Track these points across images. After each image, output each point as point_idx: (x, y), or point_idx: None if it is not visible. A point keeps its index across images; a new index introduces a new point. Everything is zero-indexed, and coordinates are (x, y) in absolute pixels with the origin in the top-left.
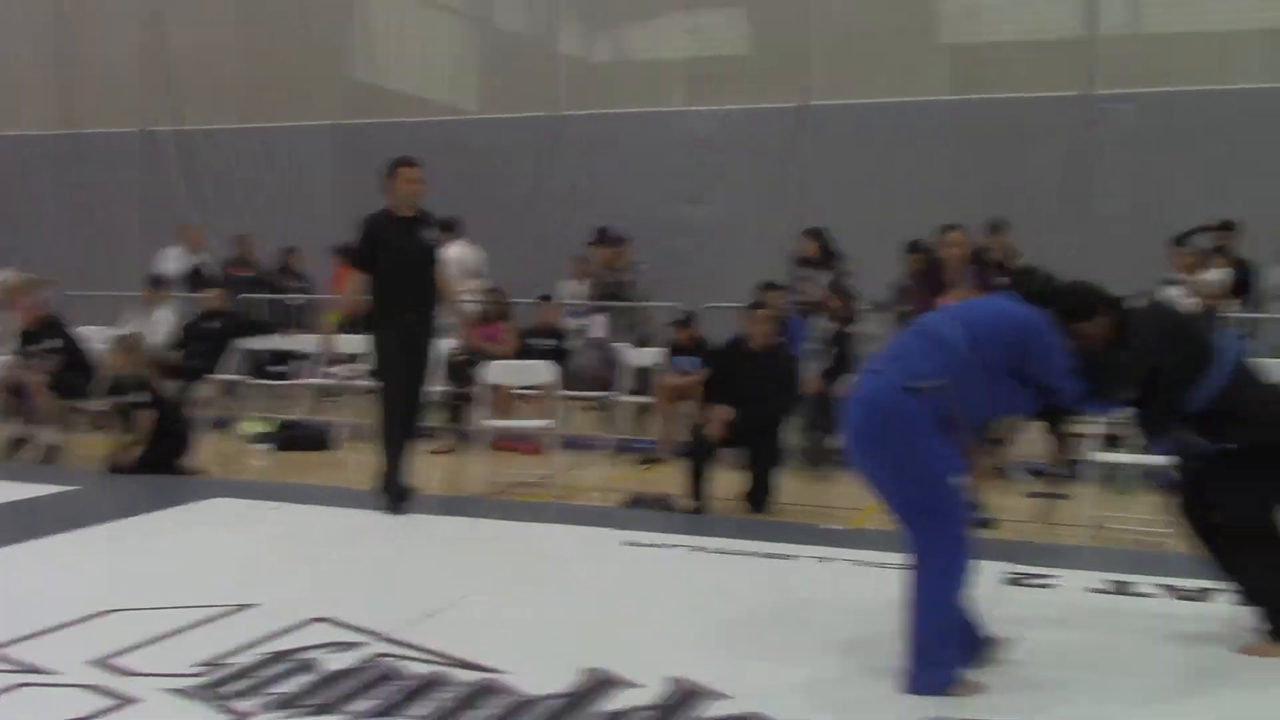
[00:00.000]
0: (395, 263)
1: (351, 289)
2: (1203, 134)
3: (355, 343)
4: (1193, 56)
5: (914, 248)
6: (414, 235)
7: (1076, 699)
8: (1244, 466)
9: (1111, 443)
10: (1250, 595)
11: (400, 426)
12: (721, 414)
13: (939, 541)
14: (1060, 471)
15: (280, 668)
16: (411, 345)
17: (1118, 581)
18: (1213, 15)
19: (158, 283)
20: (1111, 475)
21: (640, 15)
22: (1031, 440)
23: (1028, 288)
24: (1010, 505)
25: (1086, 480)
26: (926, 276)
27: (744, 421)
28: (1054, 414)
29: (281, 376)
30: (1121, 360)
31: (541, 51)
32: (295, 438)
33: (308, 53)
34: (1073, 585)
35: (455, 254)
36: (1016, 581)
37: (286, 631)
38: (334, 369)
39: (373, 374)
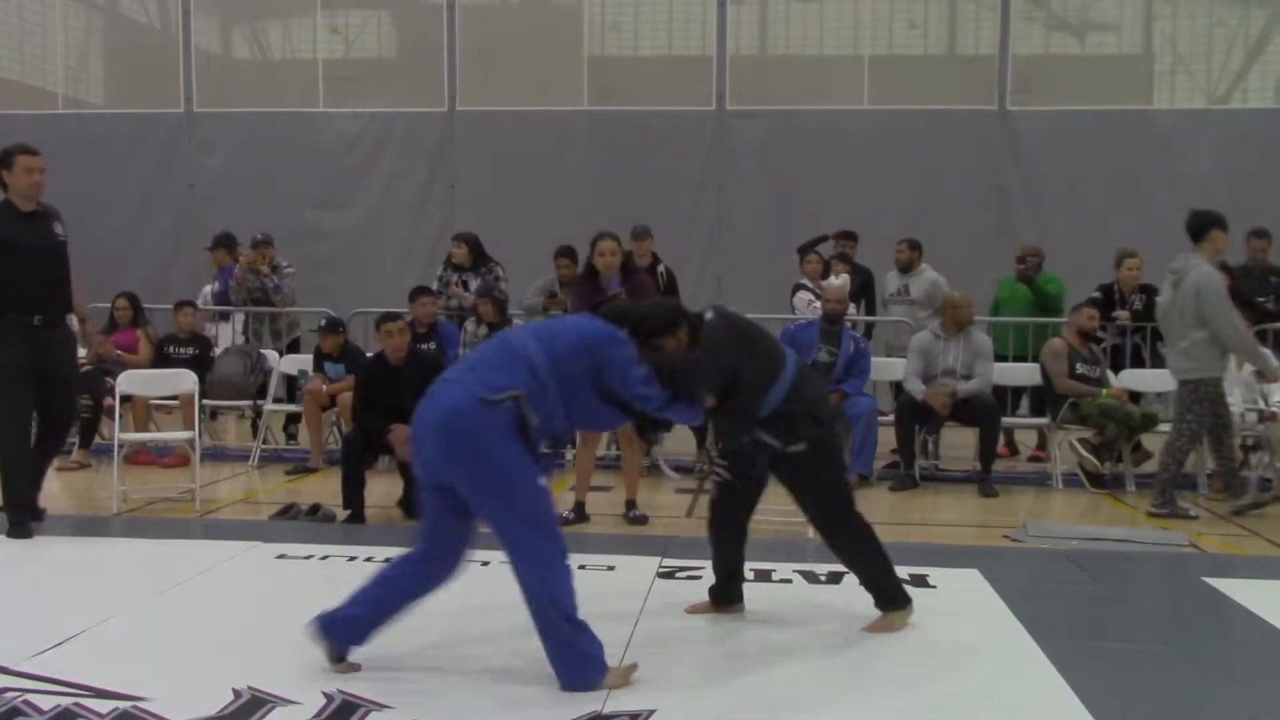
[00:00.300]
0: (18, 262)
1: None
2: (820, 149)
3: None
4: (810, 78)
5: (563, 253)
6: (39, 231)
7: (728, 682)
8: (812, 463)
9: None
10: (861, 580)
11: (25, 441)
12: (401, 435)
13: (537, 544)
14: (705, 467)
15: None
16: (41, 351)
17: (759, 570)
18: (827, 41)
19: None
20: None
21: (279, 13)
22: (677, 439)
23: (605, 312)
24: (659, 501)
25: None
26: (583, 283)
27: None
28: (650, 424)
29: None
30: (696, 369)
31: (173, 45)
32: None
33: None
34: None
35: None
36: (668, 575)
37: None
38: None
39: None
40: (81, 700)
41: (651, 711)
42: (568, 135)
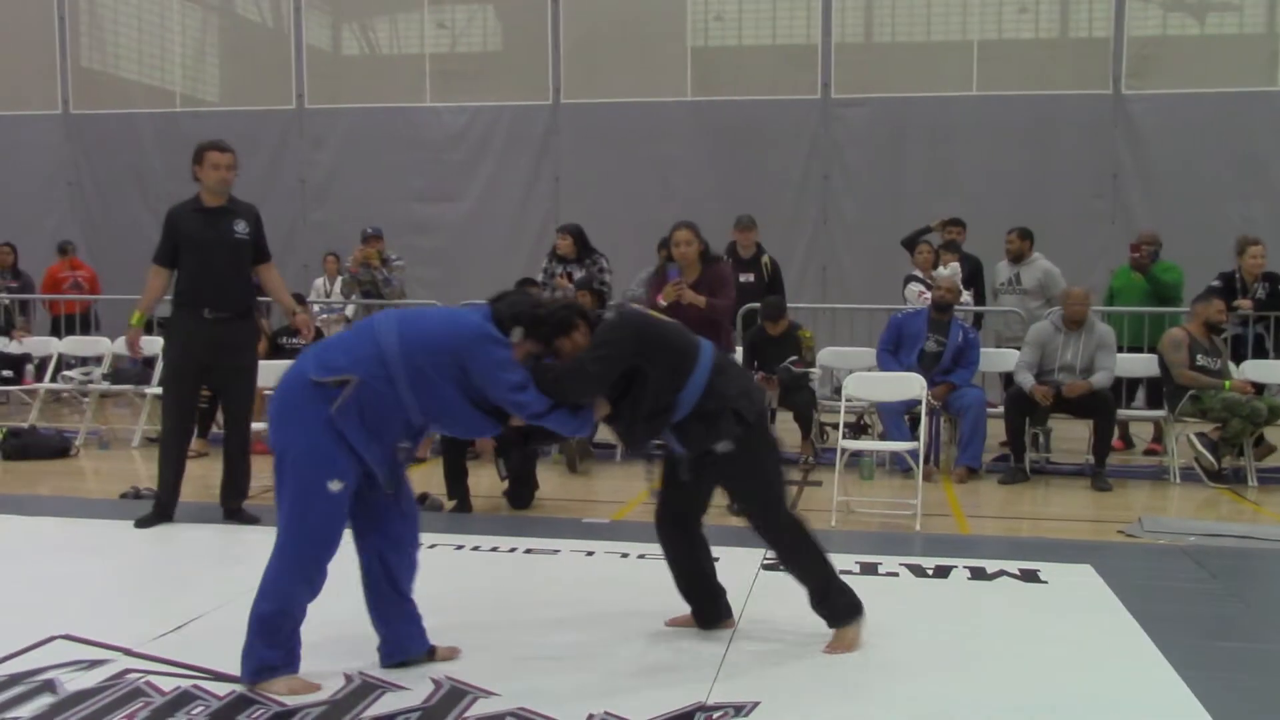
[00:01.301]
0: (192, 256)
1: (151, 286)
2: (928, 137)
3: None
4: (917, 65)
5: (667, 244)
6: (217, 226)
7: (833, 674)
8: (738, 464)
9: (857, 431)
10: (804, 587)
11: (184, 441)
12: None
13: (291, 535)
14: (809, 459)
15: (17, 690)
16: (213, 345)
17: (864, 563)
18: (935, 27)
19: None
20: (855, 461)
21: (388, 9)
22: (783, 429)
23: (498, 310)
24: None
25: (833, 467)
26: (656, 274)
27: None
28: (535, 433)
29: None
30: (582, 370)
31: (285, 42)
32: (26, 446)
33: (27, 38)
34: None
35: None
36: (771, 566)
37: (23, 651)
38: (70, 373)
39: (163, 377)
40: (200, 682)
41: (756, 703)
42: (671, 126)
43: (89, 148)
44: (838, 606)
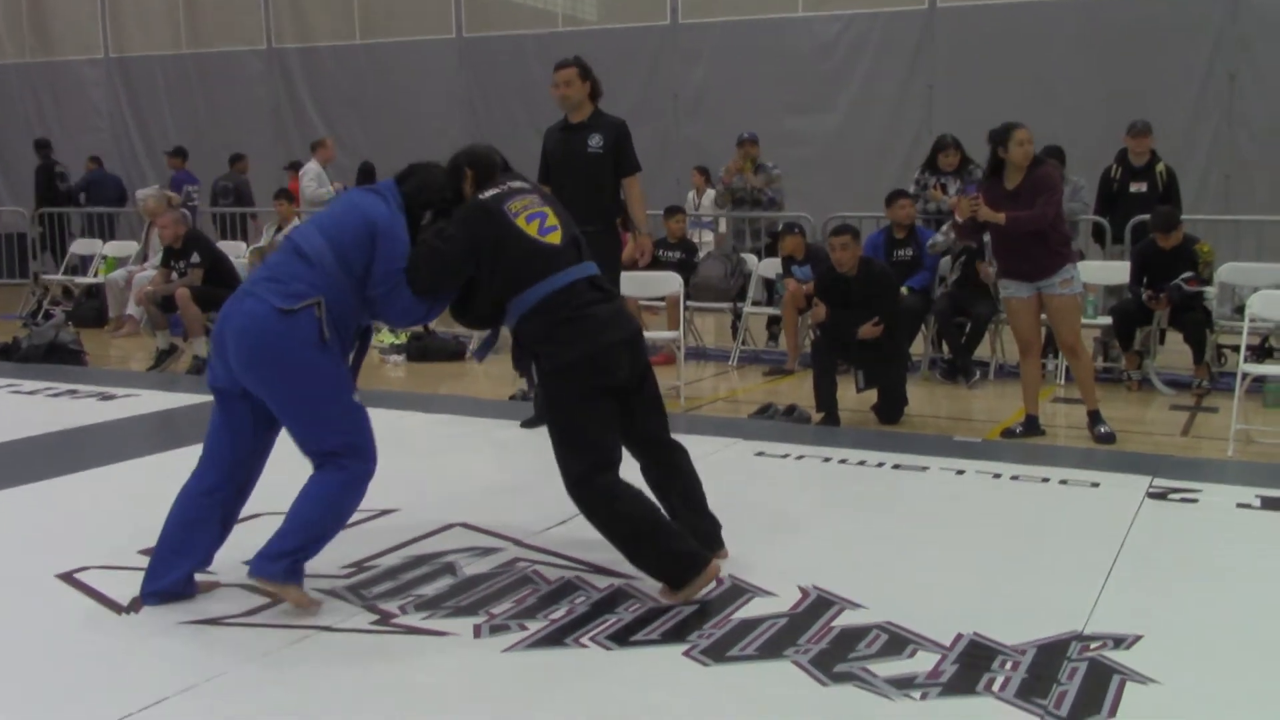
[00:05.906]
0: (556, 173)
1: None
2: None
3: None
4: None
5: (1051, 153)
6: (570, 142)
7: (1217, 612)
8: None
9: (1261, 354)
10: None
11: None
12: (870, 330)
13: (343, 462)
14: (1203, 383)
15: (422, 570)
16: None
17: (1267, 496)
18: None
19: (291, 197)
20: (1257, 387)
21: None
22: (1173, 351)
23: (404, 198)
24: (1152, 418)
25: (1231, 393)
26: (989, 182)
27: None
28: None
29: None
30: (424, 251)
31: None
32: (427, 349)
33: None
34: (1218, 500)
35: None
36: (1160, 496)
37: (426, 536)
38: None
39: None
40: (582, 574)
41: (1138, 637)
42: (1055, 26)
43: (479, 69)
44: (661, 565)
